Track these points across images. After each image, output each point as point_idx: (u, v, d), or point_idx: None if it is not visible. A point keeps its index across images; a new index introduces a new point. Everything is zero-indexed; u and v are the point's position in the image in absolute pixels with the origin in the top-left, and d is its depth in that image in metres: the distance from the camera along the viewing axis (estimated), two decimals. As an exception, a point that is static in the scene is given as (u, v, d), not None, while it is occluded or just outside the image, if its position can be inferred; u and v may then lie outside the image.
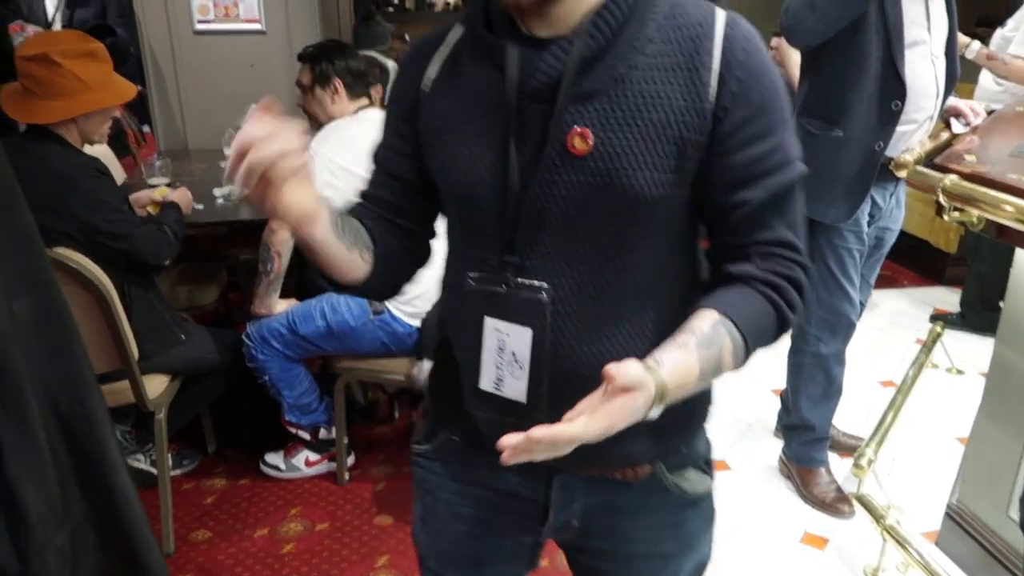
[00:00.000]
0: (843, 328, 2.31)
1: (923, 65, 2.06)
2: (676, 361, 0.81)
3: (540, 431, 0.73)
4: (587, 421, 0.75)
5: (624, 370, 0.75)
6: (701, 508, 1.07)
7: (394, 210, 0.99)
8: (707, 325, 0.84)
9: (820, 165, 2.14)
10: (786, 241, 0.90)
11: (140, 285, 2.17)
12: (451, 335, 1.00)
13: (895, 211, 2.28)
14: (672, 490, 1.02)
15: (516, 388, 0.91)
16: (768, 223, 0.89)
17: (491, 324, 0.90)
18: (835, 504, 2.38)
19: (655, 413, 0.79)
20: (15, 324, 1.24)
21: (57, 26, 3.08)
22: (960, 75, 2.17)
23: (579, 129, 0.83)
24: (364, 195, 1.02)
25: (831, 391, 2.40)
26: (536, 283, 0.88)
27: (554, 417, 0.80)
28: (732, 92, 0.83)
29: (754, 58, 0.85)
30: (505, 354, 0.91)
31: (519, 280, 0.88)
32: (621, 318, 0.90)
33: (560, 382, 0.89)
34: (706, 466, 1.06)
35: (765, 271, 0.89)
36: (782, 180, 0.88)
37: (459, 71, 0.91)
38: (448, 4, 5.62)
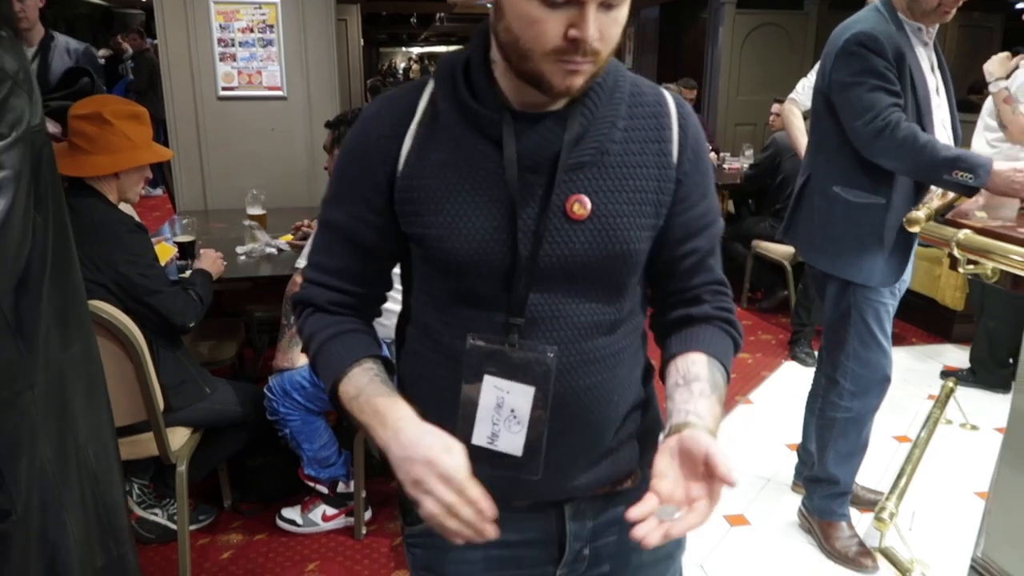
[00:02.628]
0: (879, 383, 2.32)
1: (940, 133, 2.15)
2: (711, 412, 0.94)
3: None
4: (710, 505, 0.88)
5: (721, 459, 0.85)
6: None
7: (366, 283, 1.05)
8: (706, 370, 0.98)
9: (863, 231, 2.19)
10: (723, 280, 1.07)
11: (167, 340, 2.21)
12: (425, 397, 1.00)
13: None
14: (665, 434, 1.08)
15: (512, 443, 0.96)
16: (710, 267, 1.05)
17: (491, 382, 0.95)
18: (857, 558, 2.35)
19: None
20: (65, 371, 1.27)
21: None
22: (962, 137, 2.26)
23: (577, 196, 0.93)
24: (331, 270, 1.03)
25: (859, 446, 2.39)
26: (542, 346, 0.95)
27: (558, 463, 0.96)
28: (688, 160, 0.99)
29: (698, 133, 1.01)
30: (503, 410, 0.95)
31: (526, 342, 0.95)
32: (621, 348, 1.01)
33: (565, 424, 0.97)
34: None
35: (719, 310, 1.04)
36: (717, 230, 1.05)
37: (446, 141, 0.94)
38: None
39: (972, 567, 2.13)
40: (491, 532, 0.85)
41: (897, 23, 2.08)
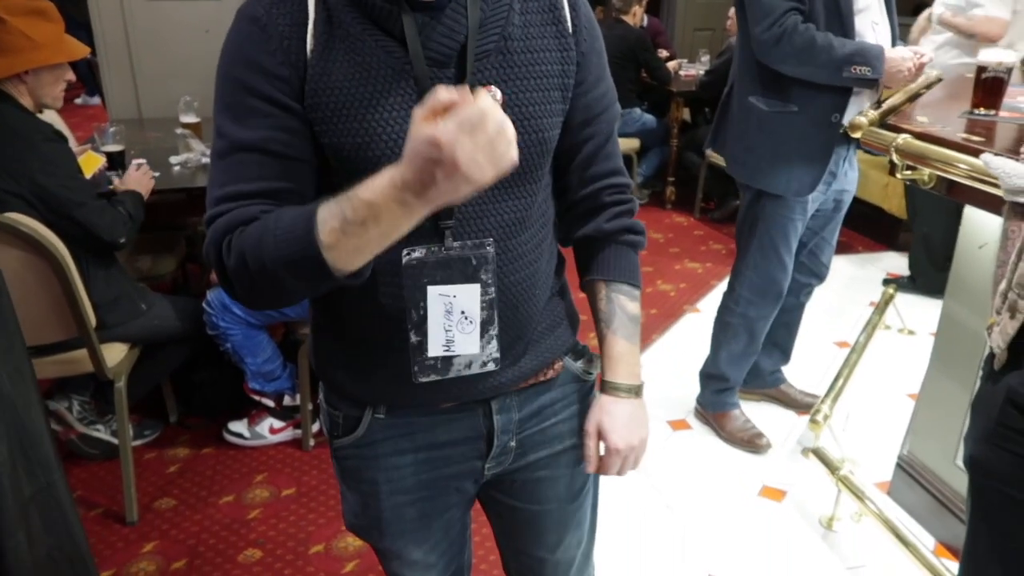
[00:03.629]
0: (774, 295, 2.39)
1: (867, 32, 2.11)
2: (610, 355, 1.08)
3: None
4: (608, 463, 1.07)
5: (587, 429, 1.08)
6: (594, 388, 1.17)
7: (302, 199, 0.88)
8: (604, 303, 1.08)
9: (777, 141, 2.18)
10: (620, 169, 1.07)
11: (97, 258, 2.12)
12: (368, 315, 0.96)
13: (849, 172, 2.33)
14: (581, 375, 1.14)
15: (467, 342, 0.96)
16: (609, 153, 1.05)
17: (434, 291, 0.93)
18: (753, 440, 2.49)
19: (630, 398, 1.07)
20: None
21: None
22: (899, 35, 2.22)
23: (487, 88, 0.89)
24: (253, 194, 0.86)
25: (751, 350, 2.50)
26: (478, 241, 0.93)
27: (503, 353, 0.97)
28: (584, 40, 0.97)
29: (589, 12, 0.99)
30: (454, 315, 0.94)
31: (462, 243, 0.92)
32: (539, 241, 1.02)
33: (505, 319, 0.98)
34: (589, 352, 1.18)
35: (619, 218, 1.07)
36: (615, 113, 1.05)
37: (345, 39, 0.86)
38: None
39: (898, 464, 2.23)
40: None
41: None
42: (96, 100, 6.95)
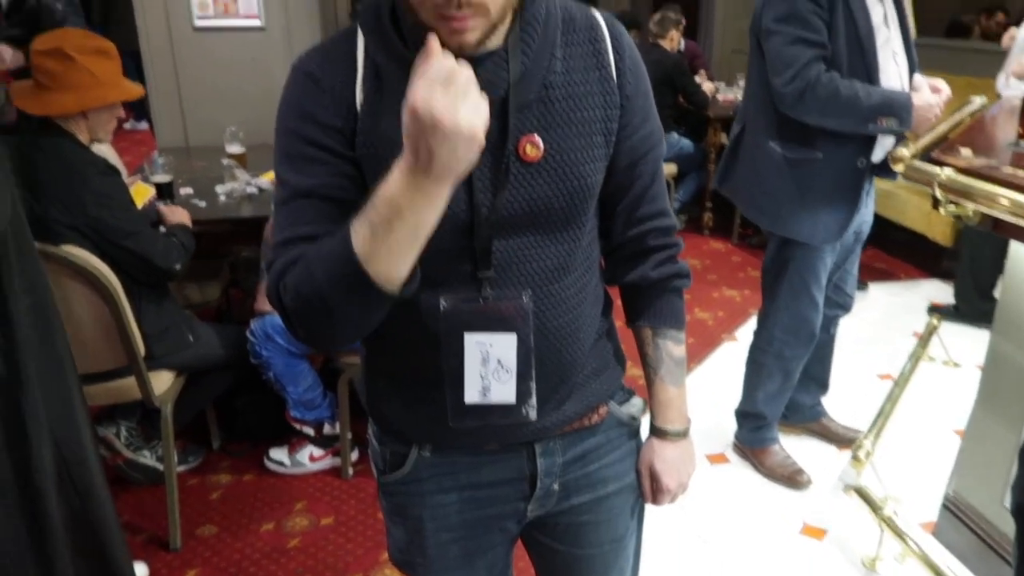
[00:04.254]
0: (808, 334, 2.35)
1: (889, 65, 2.08)
2: (658, 400, 1.12)
3: None
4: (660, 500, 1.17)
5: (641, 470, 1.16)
6: (639, 432, 1.19)
7: None
8: (651, 348, 1.11)
9: (801, 189, 2.13)
10: (666, 211, 1.07)
11: (152, 290, 2.18)
12: (406, 359, 1.01)
13: (868, 203, 2.29)
14: (626, 421, 1.14)
15: (504, 392, 0.96)
16: (654, 195, 1.05)
17: (472, 339, 0.94)
18: (793, 476, 2.45)
19: (678, 441, 1.14)
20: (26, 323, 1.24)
21: None
22: (918, 63, 2.18)
23: (528, 137, 0.90)
24: (315, 238, 0.87)
25: (786, 387, 2.47)
26: (515, 292, 0.94)
27: (541, 401, 0.98)
28: (629, 84, 0.96)
29: (634, 52, 0.98)
30: (490, 363, 0.95)
31: (499, 292, 0.93)
32: (583, 285, 1.02)
33: (542, 368, 0.98)
34: (632, 395, 1.19)
35: (659, 270, 1.07)
36: (660, 152, 1.04)
37: (391, 94, 0.87)
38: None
39: (944, 505, 2.18)
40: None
41: None
42: (144, 125, 7.14)
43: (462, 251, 0.93)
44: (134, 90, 2.20)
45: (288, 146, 0.92)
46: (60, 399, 1.34)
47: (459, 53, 0.80)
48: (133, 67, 4.10)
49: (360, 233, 0.79)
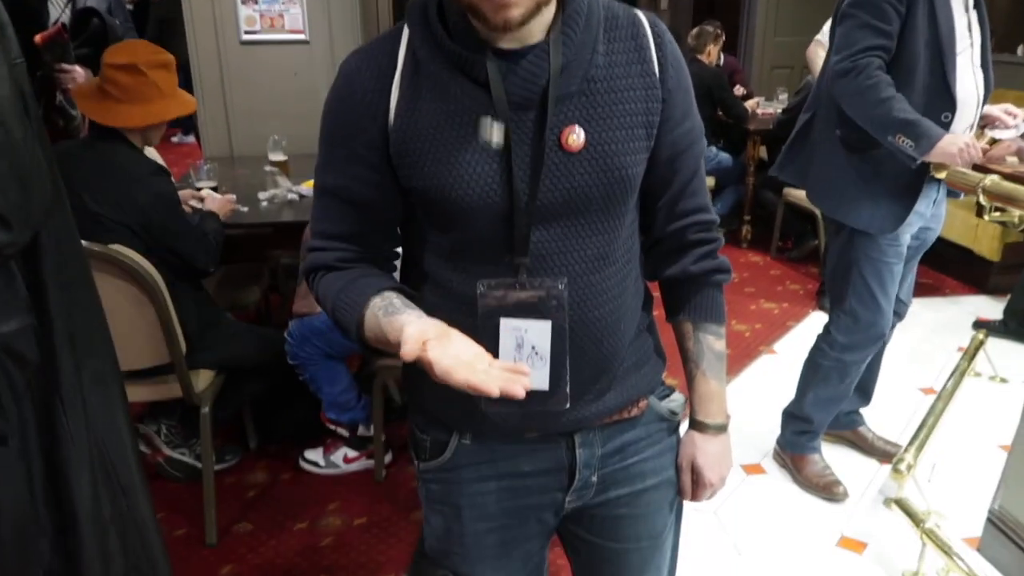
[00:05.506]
0: (873, 339, 2.31)
1: (966, 76, 2.05)
2: (700, 395, 1.12)
3: None
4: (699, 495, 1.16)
5: (681, 465, 1.15)
6: (679, 428, 1.19)
7: (373, 244, 1.04)
8: (692, 343, 1.11)
9: (865, 177, 2.13)
10: (706, 206, 1.08)
11: (189, 284, 2.25)
12: None
13: (937, 212, 2.26)
14: (666, 416, 1.14)
15: (538, 378, 0.97)
16: (695, 190, 1.06)
17: (508, 324, 0.96)
18: (829, 487, 2.41)
19: (718, 435, 1.13)
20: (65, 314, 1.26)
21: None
22: (994, 86, 2.15)
23: (570, 128, 0.92)
24: (335, 236, 1.02)
25: (840, 394, 2.42)
26: (551, 280, 0.96)
27: (575, 392, 0.98)
28: (671, 77, 0.99)
29: (675, 50, 1.01)
30: (524, 349, 0.96)
31: (535, 279, 0.95)
32: (624, 276, 1.03)
33: (578, 356, 0.98)
34: (673, 390, 1.19)
35: (700, 264, 1.08)
36: (701, 148, 1.06)
37: (433, 87, 0.92)
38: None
39: (989, 519, 2.12)
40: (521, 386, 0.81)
41: None
42: (191, 139, 7.34)
43: (502, 239, 0.95)
44: (190, 103, 2.31)
45: (321, 143, 1.01)
46: (103, 399, 1.35)
47: (503, 28, 0.85)
48: (182, 78, 4.23)
49: (369, 328, 0.94)
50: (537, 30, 0.91)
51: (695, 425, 1.14)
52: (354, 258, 1.02)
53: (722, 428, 1.14)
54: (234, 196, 2.59)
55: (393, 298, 0.94)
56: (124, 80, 2.13)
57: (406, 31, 0.95)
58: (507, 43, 0.91)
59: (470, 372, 0.79)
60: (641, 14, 1.00)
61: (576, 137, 0.92)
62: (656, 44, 0.98)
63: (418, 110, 0.93)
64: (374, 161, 0.96)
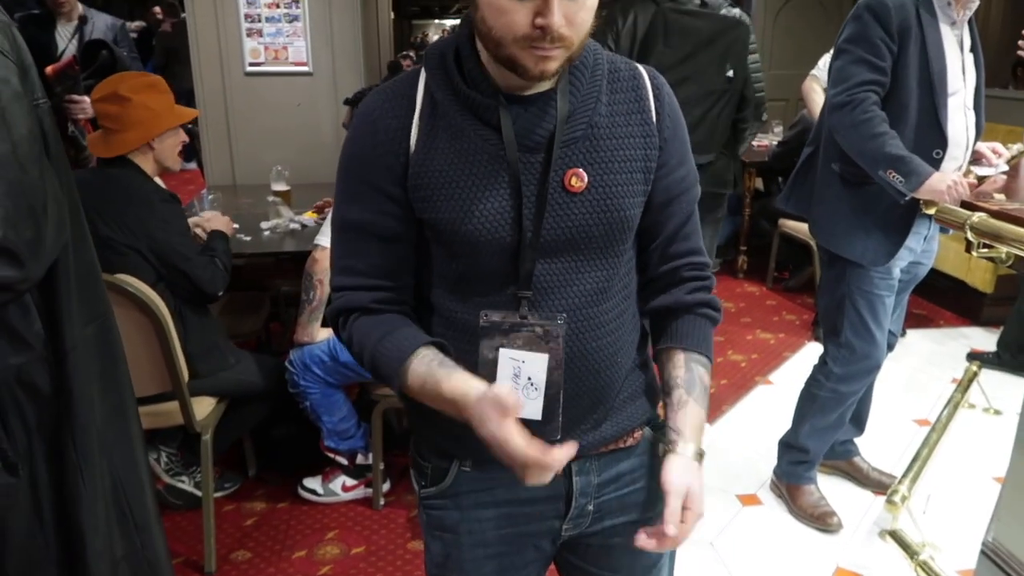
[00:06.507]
0: (868, 371, 2.35)
1: (957, 116, 2.11)
2: (691, 422, 1.06)
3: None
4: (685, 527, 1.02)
5: (675, 488, 1.01)
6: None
7: (403, 284, 1.07)
8: (683, 370, 1.09)
9: (858, 210, 2.18)
10: (699, 249, 1.13)
11: (195, 309, 2.28)
12: None
13: (928, 248, 2.31)
14: (660, 452, 1.13)
15: (531, 408, 1.02)
16: (688, 234, 1.11)
17: (506, 354, 1.01)
18: (823, 518, 2.42)
19: (701, 466, 1.06)
20: (83, 348, 1.29)
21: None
22: (984, 127, 2.21)
23: (574, 170, 0.99)
24: (363, 272, 1.04)
25: (836, 424, 2.45)
26: (551, 316, 1.01)
27: (567, 423, 1.02)
28: (667, 127, 1.06)
29: (673, 101, 1.08)
30: (521, 379, 1.01)
31: (535, 314, 1.01)
32: (622, 311, 1.08)
33: (576, 386, 1.03)
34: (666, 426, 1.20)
35: (693, 295, 1.11)
36: (695, 194, 1.11)
37: (448, 129, 0.99)
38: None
39: (983, 551, 2.13)
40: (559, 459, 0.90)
41: None
42: (192, 165, 7.38)
43: (506, 272, 1.00)
44: (189, 112, 2.34)
45: (344, 179, 1.05)
46: (121, 434, 1.36)
47: (540, 78, 0.93)
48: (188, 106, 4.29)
49: (413, 380, 0.98)
50: (547, 79, 0.98)
51: (689, 452, 1.10)
52: (389, 299, 1.05)
53: (699, 456, 1.08)
54: (236, 225, 2.63)
55: (431, 356, 0.99)
56: (111, 110, 2.18)
57: (423, 74, 1.02)
58: (519, 90, 0.97)
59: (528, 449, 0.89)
60: (642, 68, 1.07)
61: (579, 179, 0.99)
62: (655, 95, 1.05)
63: (435, 148, 0.99)
64: (398, 194, 1.01)
